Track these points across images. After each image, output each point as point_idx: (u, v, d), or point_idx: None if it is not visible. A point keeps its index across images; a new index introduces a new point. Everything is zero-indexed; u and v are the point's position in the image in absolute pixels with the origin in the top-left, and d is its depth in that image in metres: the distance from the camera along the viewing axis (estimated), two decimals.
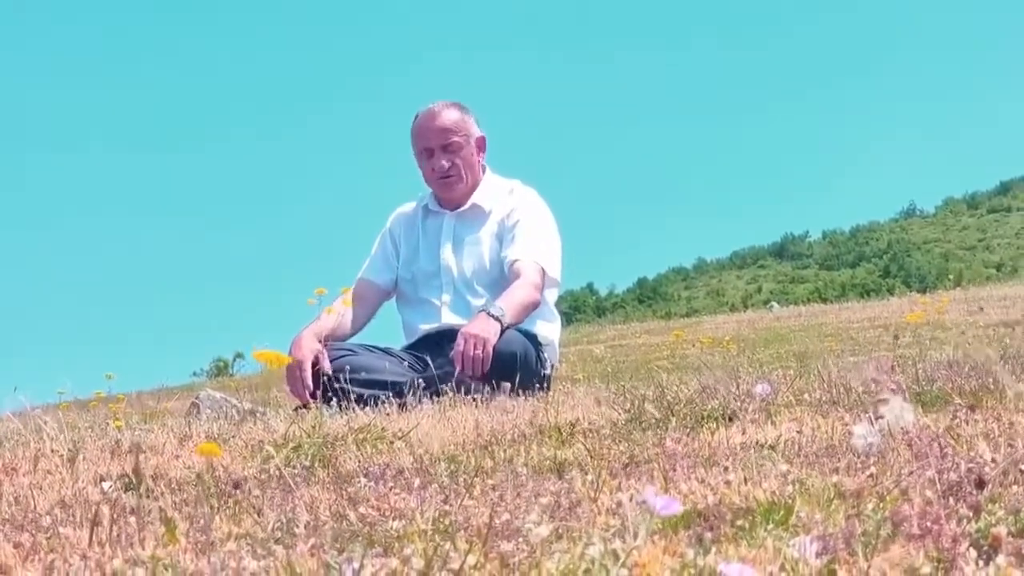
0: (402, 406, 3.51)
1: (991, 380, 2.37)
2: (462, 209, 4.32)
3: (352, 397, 3.56)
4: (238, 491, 1.57)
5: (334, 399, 3.62)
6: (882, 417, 1.51)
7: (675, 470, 1.56)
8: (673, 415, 2.45)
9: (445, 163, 4.21)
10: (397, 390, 3.79)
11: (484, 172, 4.38)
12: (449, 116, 4.27)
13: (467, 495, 1.48)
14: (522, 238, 4.20)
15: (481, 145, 4.35)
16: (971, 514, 1.08)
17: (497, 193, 4.35)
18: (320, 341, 3.99)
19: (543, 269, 4.17)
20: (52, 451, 2.54)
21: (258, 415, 4.04)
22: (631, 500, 1.36)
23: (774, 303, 21.23)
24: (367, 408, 3.41)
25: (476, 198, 4.32)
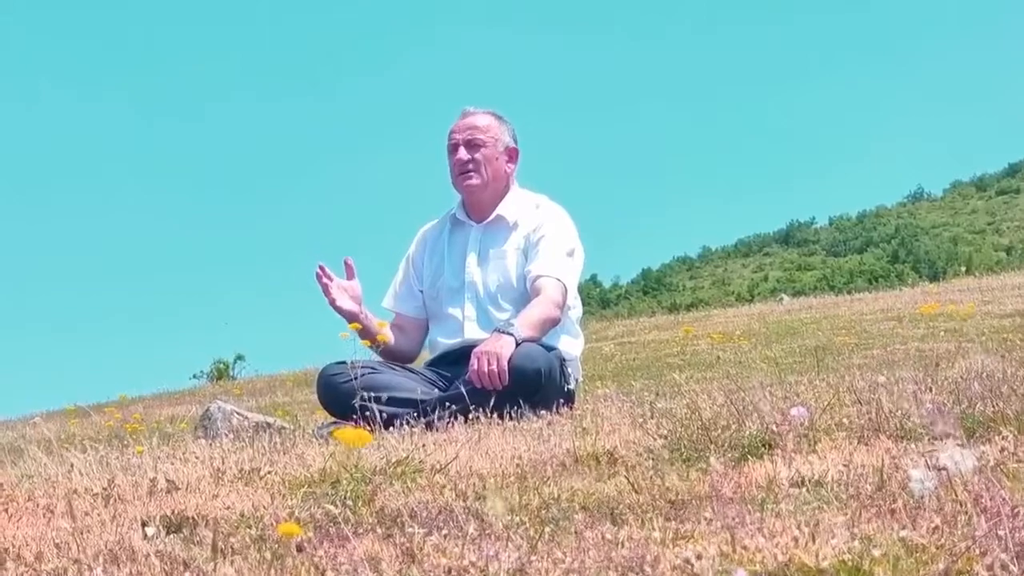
0: (428, 425, 3.50)
1: None
2: (487, 221, 4.31)
3: (379, 418, 3.56)
4: (301, 553, 1.56)
5: (360, 420, 3.61)
6: (944, 468, 1.49)
7: (736, 526, 1.54)
8: (712, 442, 2.43)
9: (465, 156, 4.24)
10: (422, 408, 3.78)
11: (512, 185, 4.37)
12: (481, 118, 4.34)
13: (531, 551, 1.47)
14: (545, 254, 4.18)
15: (512, 156, 4.36)
16: None
17: (523, 206, 4.33)
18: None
19: (565, 287, 4.15)
20: (86, 490, 2.53)
21: (278, 429, 4.03)
22: (699, 559, 1.35)
23: (783, 295, 21.18)
24: (392, 429, 3.40)
25: (501, 210, 4.30)
